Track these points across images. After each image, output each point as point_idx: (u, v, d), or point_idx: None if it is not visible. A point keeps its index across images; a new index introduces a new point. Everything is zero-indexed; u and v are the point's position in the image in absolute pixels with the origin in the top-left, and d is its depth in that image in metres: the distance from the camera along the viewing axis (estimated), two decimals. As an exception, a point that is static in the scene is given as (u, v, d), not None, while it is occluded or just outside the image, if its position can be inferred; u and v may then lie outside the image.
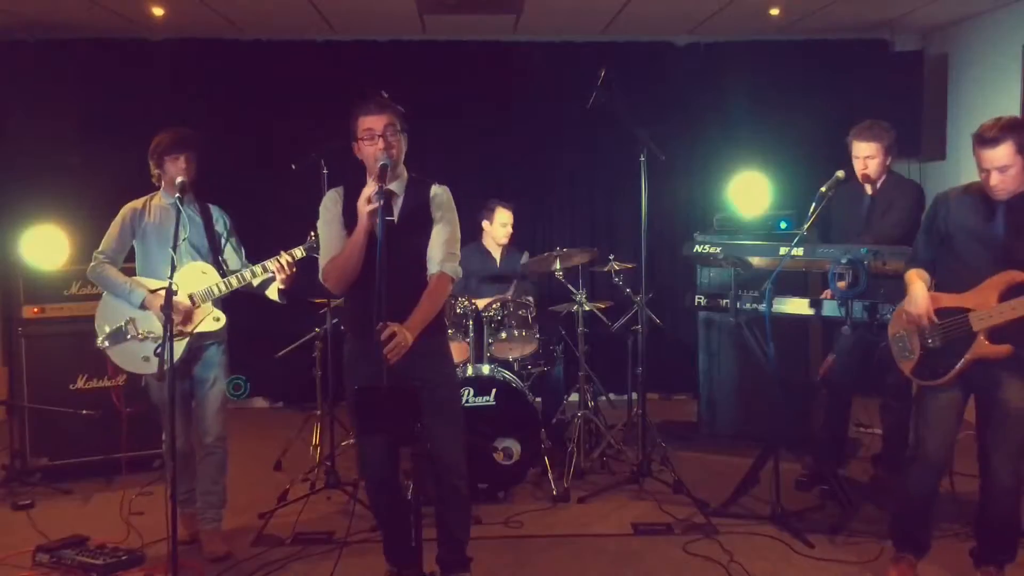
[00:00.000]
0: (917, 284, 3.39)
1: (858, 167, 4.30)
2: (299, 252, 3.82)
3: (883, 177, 4.34)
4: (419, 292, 3.19)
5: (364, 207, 3.06)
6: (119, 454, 4.78)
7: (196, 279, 3.82)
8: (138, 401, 4.31)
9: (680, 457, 5.12)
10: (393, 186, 3.19)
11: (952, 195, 3.43)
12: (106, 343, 3.86)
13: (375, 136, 3.12)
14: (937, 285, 3.42)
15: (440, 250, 3.23)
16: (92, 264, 3.85)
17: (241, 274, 3.84)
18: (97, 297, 3.98)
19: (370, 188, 3.08)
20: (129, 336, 3.82)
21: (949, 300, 3.32)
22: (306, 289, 3.59)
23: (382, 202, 2.99)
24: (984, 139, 3.18)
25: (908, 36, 6.63)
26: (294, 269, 3.78)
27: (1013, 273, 3.19)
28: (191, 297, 3.79)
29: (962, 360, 3.28)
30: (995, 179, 3.20)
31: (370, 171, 3.19)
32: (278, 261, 3.77)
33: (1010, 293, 3.19)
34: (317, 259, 3.37)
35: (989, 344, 3.23)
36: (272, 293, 3.88)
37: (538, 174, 6.70)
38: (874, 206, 4.36)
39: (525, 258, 5.47)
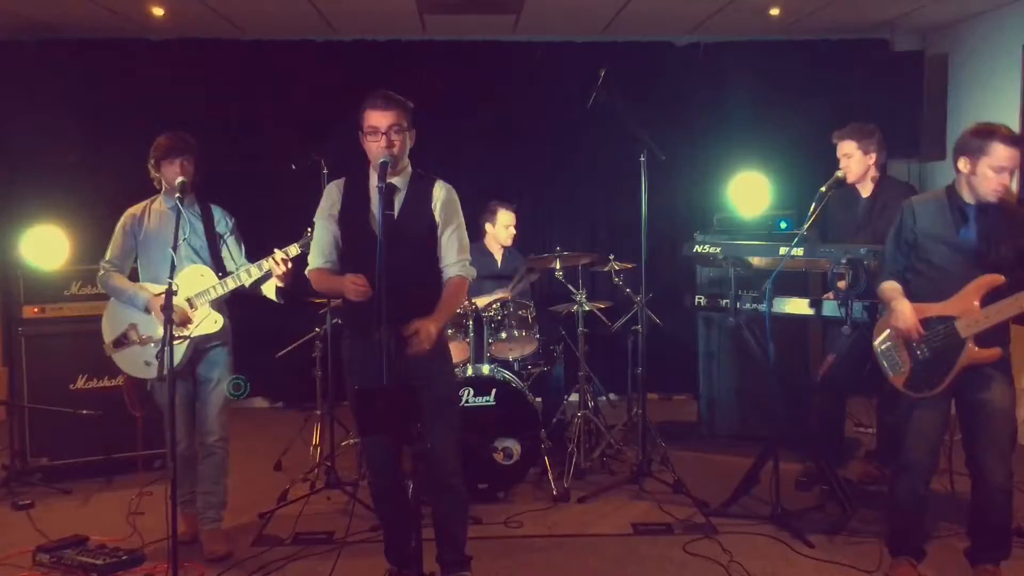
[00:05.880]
0: (901, 299, 3.37)
1: (841, 166, 4.32)
2: (294, 249, 3.76)
3: (874, 178, 4.38)
4: (419, 287, 3.22)
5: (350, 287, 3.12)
6: (122, 454, 4.80)
7: (195, 282, 3.82)
8: (147, 404, 4.31)
9: (680, 457, 5.12)
10: (395, 180, 3.23)
11: (916, 203, 3.43)
12: (111, 348, 3.88)
13: (378, 134, 3.14)
14: (912, 293, 3.41)
15: (454, 256, 3.29)
16: (100, 273, 3.89)
17: (237, 274, 3.82)
18: (97, 297, 3.99)
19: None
20: (131, 341, 3.84)
21: (933, 310, 3.32)
22: (306, 289, 3.57)
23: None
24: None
25: (908, 36, 6.62)
26: (290, 266, 3.74)
27: (991, 277, 3.21)
28: (189, 301, 3.80)
29: (955, 368, 3.29)
30: (1007, 180, 3.20)
31: (373, 164, 3.22)
32: (272, 259, 3.73)
33: (991, 297, 3.21)
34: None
35: (978, 349, 3.25)
36: (269, 292, 3.85)
37: (538, 174, 6.69)
38: (869, 208, 4.38)
39: (523, 270, 5.40)
